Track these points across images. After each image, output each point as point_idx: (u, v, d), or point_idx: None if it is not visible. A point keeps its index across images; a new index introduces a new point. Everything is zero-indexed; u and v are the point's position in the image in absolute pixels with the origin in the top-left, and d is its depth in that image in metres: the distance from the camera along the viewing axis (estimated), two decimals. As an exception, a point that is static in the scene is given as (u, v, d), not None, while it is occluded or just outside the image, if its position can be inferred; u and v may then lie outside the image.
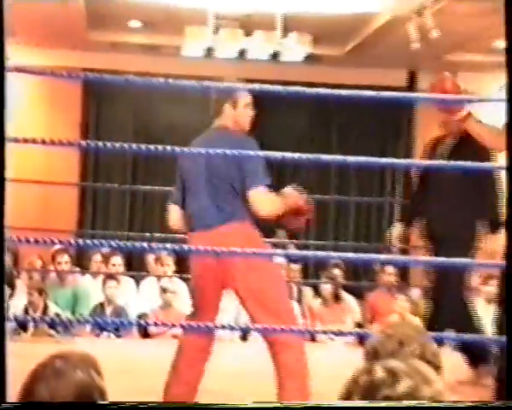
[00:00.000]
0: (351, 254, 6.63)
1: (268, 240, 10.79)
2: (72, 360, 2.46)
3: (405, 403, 2.75)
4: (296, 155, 5.44)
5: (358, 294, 10.76)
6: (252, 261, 5.40)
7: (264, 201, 5.42)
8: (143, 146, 5.10)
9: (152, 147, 4.94)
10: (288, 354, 5.38)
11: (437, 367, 2.92)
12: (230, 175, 5.43)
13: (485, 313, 9.87)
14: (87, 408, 2.39)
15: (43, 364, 2.45)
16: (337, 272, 10.68)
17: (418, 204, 6.87)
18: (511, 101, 2.45)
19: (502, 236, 6.28)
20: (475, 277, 10.36)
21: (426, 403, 2.45)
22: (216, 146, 5.40)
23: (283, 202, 5.55)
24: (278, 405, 2.09)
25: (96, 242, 5.12)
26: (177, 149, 5.06)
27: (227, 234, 5.50)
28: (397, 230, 7.00)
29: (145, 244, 5.99)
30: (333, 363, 5.80)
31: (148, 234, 8.61)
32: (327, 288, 10.46)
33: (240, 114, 5.63)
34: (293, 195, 5.68)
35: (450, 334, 6.16)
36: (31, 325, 9.34)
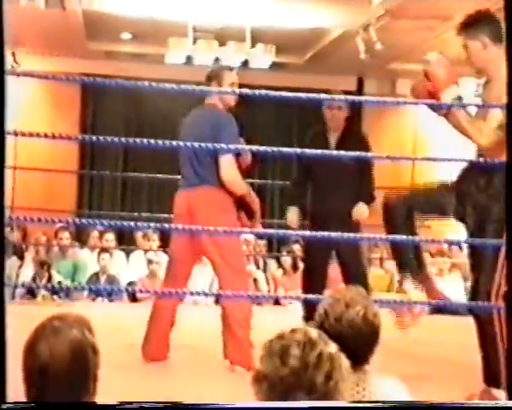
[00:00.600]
0: (307, 232, 6.63)
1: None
2: (67, 321, 2.44)
3: (406, 403, 2.76)
4: (262, 148, 5.47)
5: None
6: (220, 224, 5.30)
7: (228, 168, 5.39)
8: (131, 140, 5.10)
9: (139, 140, 4.94)
10: (236, 311, 5.43)
11: (377, 326, 2.94)
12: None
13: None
14: (91, 408, 2.37)
15: (43, 324, 2.44)
16: (296, 246, 10.70)
17: (304, 188, 6.78)
18: (511, 101, 2.37)
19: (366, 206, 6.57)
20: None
21: (426, 403, 2.47)
22: (201, 120, 5.54)
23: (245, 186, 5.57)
24: (278, 405, 2.06)
25: (91, 221, 5.11)
26: (160, 142, 5.05)
27: (201, 194, 5.51)
28: (292, 212, 6.83)
29: (132, 223, 5.92)
30: (292, 322, 5.81)
31: (136, 214, 8.60)
32: (287, 260, 10.48)
33: (225, 96, 5.62)
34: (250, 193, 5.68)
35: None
36: (38, 291, 9.35)
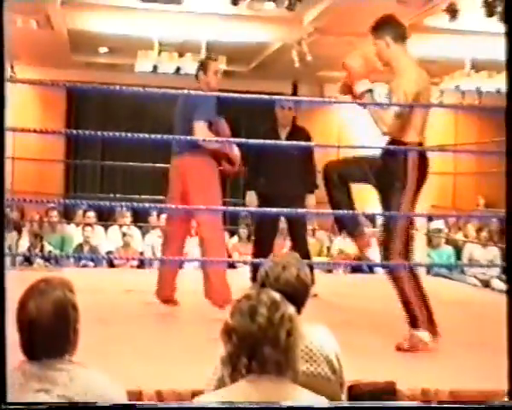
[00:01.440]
0: (253, 209, 6.64)
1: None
2: (52, 283, 2.43)
3: (406, 403, 2.73)
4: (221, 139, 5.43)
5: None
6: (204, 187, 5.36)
7: (200, 132, 5.27)
8: (108, 133, 5.02)
9: (116, 133, 4.87)
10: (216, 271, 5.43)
11: (308, 284, 2.94)
12: (190, 116, 5.31)
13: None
14: (87, 409, 2.32)
15: (31, 286, 2.43)
16: (248, 220, 10.72)
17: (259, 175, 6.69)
18: (511, 101, 2.34)
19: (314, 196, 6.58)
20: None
21: (427, 404, 2.46)
22: (188, 99, 5.40)
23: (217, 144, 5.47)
24: (278, 405, 2.05)
25: (76, 201, 5.02)
26: (131, 135, 5.00)
27: (186, 160, 5.44)
28: (250, 196, 6.77)
29: (108, 203, 5.84)
30: (242, 282, 5.78)
31: (112, 195, 8.52)
32: (244, 231, 10.47)
33: (209, 78, 5.57)
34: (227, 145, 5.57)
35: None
36: (34, 260, 9.31)
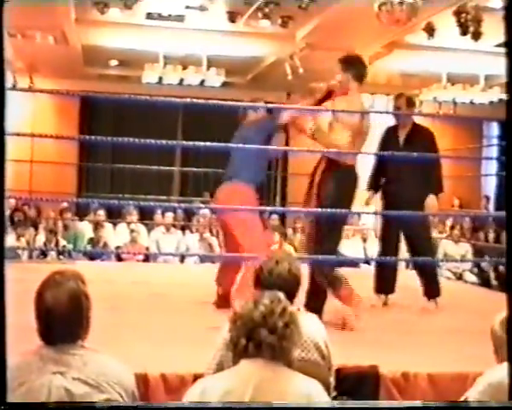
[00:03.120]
0: (249, 207, 6.61)
1: (197, 198, 10.86)
2: (66, 275, 2.43)
3: (406, 403, 2.71)
4: (211, 144, 5.42)
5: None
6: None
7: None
8: (119, 138, 5.01)
9: (125, 139, 4.85)
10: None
11: (299, 277, 2.94)
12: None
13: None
14: (89, 408, 2.31)
15: (47, 278, 2.43)
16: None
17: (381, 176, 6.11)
18: (511, 112, 2.31)
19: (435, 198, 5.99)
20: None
21: (428, 403, 2.45)
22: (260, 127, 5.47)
23: None
24: (278, 405, 2.07)
25: (87, 200, 5.00)
26: (139, 140, 4.98)
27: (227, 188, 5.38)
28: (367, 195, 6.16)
29: (116, 202, 5.82)
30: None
31: (120, 195, 8.51)
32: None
33: (259, 116, 5.58)
34: None
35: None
36: (49, 253, 9.28)
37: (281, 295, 2.29)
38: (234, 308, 2.28)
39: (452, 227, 11.33)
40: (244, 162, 5.26)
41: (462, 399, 2.89)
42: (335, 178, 4.80)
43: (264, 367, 2.15)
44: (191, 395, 2.19)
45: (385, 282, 5.92)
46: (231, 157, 5.46)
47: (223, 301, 5.17)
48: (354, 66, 4.97)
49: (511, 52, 2.38)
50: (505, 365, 2.44)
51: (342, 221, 5.05)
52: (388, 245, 5.90)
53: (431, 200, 5.91)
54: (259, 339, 2.15)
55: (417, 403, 2.78)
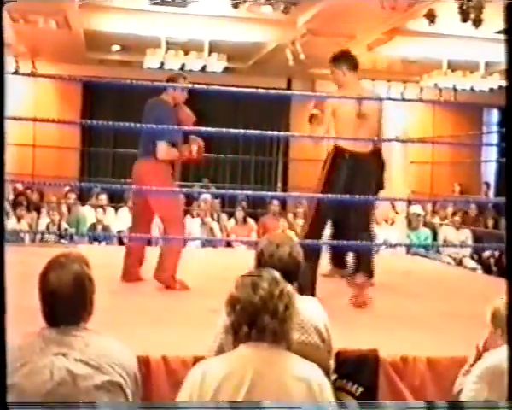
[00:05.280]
0: (250, 192, 6.61)
1: (197, 183, 10.86)
2: (70, 257, 2.43)
3: (407, 403, 2.71)
4: (213, 130, 5.41)
5: (256, 218, 10.77)
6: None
7: (161, 151, 5.27)
8: (121, 123, 5.01)
9: (127, 123, 4.85)
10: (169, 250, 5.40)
11: (299, 261, 2.94)
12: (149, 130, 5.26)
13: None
14: (91, 407, 2.30)
15: (52, 260, 2.43)
16: (244, 204, 10.71)
17: None
18: (510, 99, 2.30)
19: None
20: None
21: (429, 403, 2.45)
22: (149, 109, 5.46)
23: (178, 153, 5.37)
24: (277, 405, 2.07)
25: (90, 185, 5.00)
26: (139, 125, 4.97)
27: (142, 164, 5.44)
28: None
29: (119, 186, 5.82)
30: (239, 260, 5.80)
31: (123, 180, 8.49)
32: (240, 213, 10.45)
33: (177, 94, 5.45)
34: (187, 147, 5.45)
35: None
36: (51, 237, 9.28)
37: (276, 274, 2.29)
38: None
39: (454, 214, 11.33)
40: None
41: (457, 383, 2.91)
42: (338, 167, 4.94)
43: (265, 351, 2.15)
44: (191, 378, 2.19)
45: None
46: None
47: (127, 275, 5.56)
48: (344, 59, 5.14)
49: (511, 53, 2.37)
50: (503, 348, 2.45)
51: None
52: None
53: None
54: (262, 325, 2.15)
55: (417, 403, 2.80)
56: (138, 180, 5.41)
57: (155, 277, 5.38)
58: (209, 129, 5.38)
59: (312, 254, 4.83)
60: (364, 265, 5.07)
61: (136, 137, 9.96)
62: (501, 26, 9.02)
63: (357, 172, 4.95)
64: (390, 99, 4.75)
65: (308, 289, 4.63)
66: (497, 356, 2.49)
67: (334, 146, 5.01)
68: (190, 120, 5.51)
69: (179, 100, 5.51)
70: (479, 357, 2.77)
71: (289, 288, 2.26)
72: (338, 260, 6.35)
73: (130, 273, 5.61)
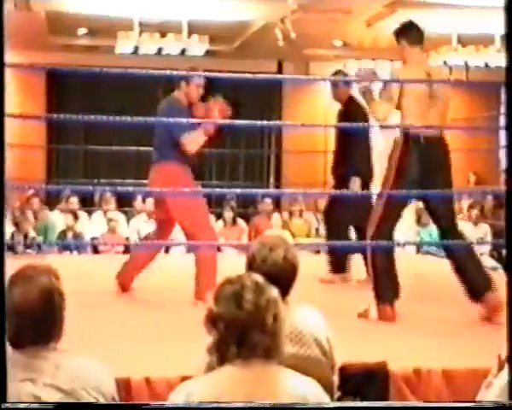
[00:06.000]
0: (239, 190, 6.63)
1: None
2: (37, 269, 2.43)
3: (407, 403, 2.70)
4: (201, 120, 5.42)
5: (247, 218, 10.78)
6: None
7: (189, 143, 5.40)
8: (92, 116, 5.01)
9: (98, 117, 4.85)
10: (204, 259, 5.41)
11: (296, 265, 2.94)
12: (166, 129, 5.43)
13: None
14: (87, 408, 2.31)
15: (16, 273, 2.42)
16: (233, 203, 10.71)
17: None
18: (510, 99, 2.30)
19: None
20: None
21: (428, 404, 2.44)
22: (163, 109, 5.52)
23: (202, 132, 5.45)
24: (277, 405, 2.06)
25: (58, 187, 5.00)
26: (114, 118, 4.97)
27: (160, 169, 5.51)
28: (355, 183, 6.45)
29: (91, 187, 5.82)
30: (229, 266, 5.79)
31: (96, 181, 8.49)
32: (228, 214, 10.45)
33: (191, 90, 5.52)
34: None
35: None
36: (17, 247, 9.26)
37: (259, 278, 2.24)
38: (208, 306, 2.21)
39: (471, 207, 11.27)
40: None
41: (478, 397, 2.91)
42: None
43: (257, 369, 2.14)
44: (173, 401, 2.17)
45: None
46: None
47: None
48: (406, 31, 5.16)
49: (511, 52, 2.40)
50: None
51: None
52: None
53: (353, 183, 6.34)
54: (252, 342, 2.13)
55: (417, 403, 2.79)
56: (156, 186, 5.48)
57: (198, 297, 5.24)
58: (192, 120, 5.37)
59: (384, 255, 4.90)
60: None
61: (109, 132, 10.05)
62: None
63: (432, 160, 4.93)
64: (399, 81, 4.78)
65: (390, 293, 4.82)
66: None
67: (403, 133, 4.94)
68: (223, 112, 5.50)
69: (194, 96, 5.57)
70: (502, 367, 2.77)
71: (274, 293, 2.22)
72: (338, 264, 6.49)
73: (126, 277, 5.74)
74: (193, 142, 5.42)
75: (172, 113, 5.39)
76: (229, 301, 2.15)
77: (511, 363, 2.31)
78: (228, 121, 5.71)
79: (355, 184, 6.33)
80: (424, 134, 4.89)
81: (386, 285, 4.88)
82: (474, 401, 2.53)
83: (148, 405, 2.17)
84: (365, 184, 6.39)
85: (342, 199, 6.36)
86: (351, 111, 6.51)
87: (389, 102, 4.92)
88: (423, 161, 4.87)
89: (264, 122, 5.62)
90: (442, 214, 5.05)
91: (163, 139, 5.51)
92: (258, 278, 2.25)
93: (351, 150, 6.41)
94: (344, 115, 6.59)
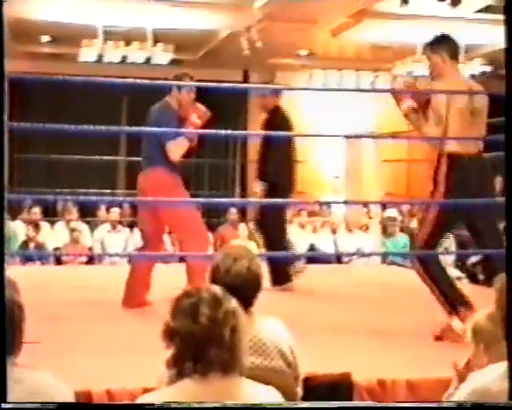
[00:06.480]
0: (204, 199, 6.63)
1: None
2: (-4, 281, 2.39)
3: (407, 404, 2.69)
4: (166, 130, 5.42)
5: (212, 228, 10.75)
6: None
7: (172, 150, 5.39)
8: (55, 125, 4.97)
9: (61, 126, 4.82)
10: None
11: (260, 276, 2.94)
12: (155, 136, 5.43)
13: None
14: (92, 408, 2.28)
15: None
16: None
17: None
18: (510, 100, 2.30)
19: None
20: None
21: (428, 404, 2.43)
22: (153, 114, 5.54)
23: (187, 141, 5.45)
24: (277, 405, 2.03)
25: (19, 197, 4.95)
26: (77, 126, 4.95)
27: (148, 174, 5.49)
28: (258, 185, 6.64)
29: (51, 197, 5.77)
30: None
31: (58, 190, 8.43)
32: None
33: (182, 96, 5.55)
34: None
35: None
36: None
37: (217, 290, 2.21)
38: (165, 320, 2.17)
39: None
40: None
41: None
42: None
43: (215, 382, 2.11)
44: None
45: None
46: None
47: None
48: (445, 43, 4.96)
49: (511, 52, 2.42)
50: (494, 366, 2.46)
51: None
52: None
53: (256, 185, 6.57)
54: (209, 359, 2.09)
55: (418, 403, 2.80)
56: (144, 193, 5.47)
57: None
58: (156, 129, 5.36)
59: (432, 266, 4.82)
60: None
61: (72, 140, 9.97)
62: (481, 4, 9.19)
63: (477, 180, 4.82)
64: (363, 90, 4.73)
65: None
66: (485, 377, 2.49)
67: (447, 153, 4.78)
68: (202, 117, 5.51)
69: (185, 101, 5.58)
70: (463, 378, 2.78)
71: (233, 305, 2.18)
72: (279, 276, 6.47)
73: (134, 298, 5.56)
74: (176, 148, 5.41)
75: (164, 118, 5.43)
76: (186, 314, 2.12)
77: (511, 363, 2.32)
78: (204, 131, 5.69)
79: (257, 187, 6.53)
80: (468, 154, 4.79)
81: (456, 294, 4.77)
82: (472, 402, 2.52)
83: (148, 405, 2.12)
84: (276, 192, 6.40)
85: (272, 208, 6.46)
86: (275, 120, 6.57)
87: (439, 125, 4.78)
88: (469, 182, 4.77)
89: (229, 131, 5.62)
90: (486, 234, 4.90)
91: (152, 146, 5.49)
92: (217, 289, 2.22)
93: (269, 158, 6.50)
94: (267, 124, 6.64)
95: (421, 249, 4.83)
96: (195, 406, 2.08)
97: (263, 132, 6.98)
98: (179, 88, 5.56)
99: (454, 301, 4.72)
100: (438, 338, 4.62)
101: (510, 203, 2.38)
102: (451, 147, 4.79)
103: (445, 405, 2.63)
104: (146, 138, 5.62)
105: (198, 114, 5.47)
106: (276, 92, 6.75)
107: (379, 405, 2.76)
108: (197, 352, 2.09)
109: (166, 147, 5.37)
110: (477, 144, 4.89)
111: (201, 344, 2.08)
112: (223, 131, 6.00)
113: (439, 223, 4.81)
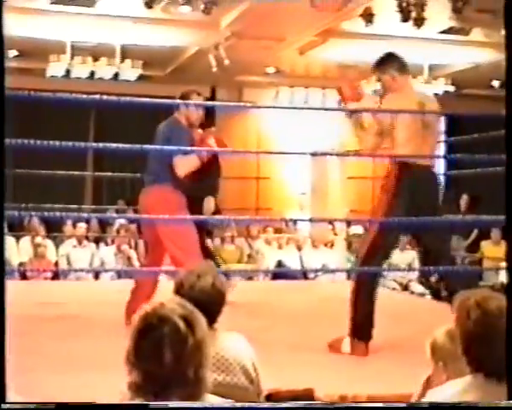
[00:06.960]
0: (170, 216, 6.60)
1: (111, 207, 10.78)
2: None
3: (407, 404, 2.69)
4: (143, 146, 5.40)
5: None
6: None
7: (180, 165, 5.30)
8: (22, 141, 4.93)
9: (28, 141, 4.79)
10: None
11: (224, 292, 2.96)
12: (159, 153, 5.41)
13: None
14: (91, 408, 2.26)
15: None
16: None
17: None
18: (510, 101, 2.32)
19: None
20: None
21: (427, 403, 2.43)
22: (163, 130, 5.50)
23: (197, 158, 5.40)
24: (276, 405, 1.98)
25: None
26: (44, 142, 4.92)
27: (152, 192, 5.42)
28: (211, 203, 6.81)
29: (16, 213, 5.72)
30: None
31: (24, 205, 8.38)
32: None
33: (190, 113, 5.53)
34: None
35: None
36: None
37: (178, 302, 2.06)
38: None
39: (398, 233, 11.46)
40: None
41: None
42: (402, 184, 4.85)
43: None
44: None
45: None
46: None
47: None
48: (392, 61, 5.07)
49: (511, 52, 2.45)
50: (452, 383, 2.50)
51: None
52: None
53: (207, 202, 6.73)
54: (171, 393, 1.94)
55: (417, 403, 2.81)
56: (147, 211, 5.38)
57: None
58: (123, 145, 5.35)
59: (367, 284, 4.86)
60: None
61: (38, 155, 9.87)
62: (445, 25, 9.31)
63: (424, 190, 4.87)
64: (330, 109, 4.78)
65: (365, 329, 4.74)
66: (443, 393, 2.53)
67: (398, 162, 4.85)
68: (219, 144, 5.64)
69: (194, 119, 5.58)
70: (423, 394, 2.82)
71: (199, 335, 1.99)
72: None
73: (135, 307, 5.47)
74: (184, 164, 5.32)
75: (173, 133, 5.39)
76: (148, 353, 1.95)
77: (511, 363, 2.35)
78: (159, 147, 5.67)
79: (209, 203, 6.74)
80: (416, 164, 4.83)
81: (365, 322, 4.80)
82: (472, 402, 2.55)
83: (147, 405, 2.07)
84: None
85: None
86: None
87: (378, 137, 4.89)
88: (415, 191, 4.80)
89: (244, 150, 5.63)
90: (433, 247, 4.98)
91: (160, 163, 5.40)
92: (181, 323, 1.98)
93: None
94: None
95: (360, 265, 4.92)
96: (194, 405, 1.99)
97: (230, 150, 7.02)
98: (186, 105, 5.53)
99: (360, 328, 4.78)
100: (329, 346, 4.77)
101: (510, 216, 2.42)
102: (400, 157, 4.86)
103: (443, 405, 2.65)
104: (153, 155, 5.51)
105: (216, 138, 5.49)
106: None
107: (377, 405, 2.77)
108: (159, 388, 1.95)
109: (174, 161, 5.28)
110: (430, 158, 4.99)
111: (164, 381, 1.94)
112: (239, 150, 6.02)
113: (380, 241, 4.80)
